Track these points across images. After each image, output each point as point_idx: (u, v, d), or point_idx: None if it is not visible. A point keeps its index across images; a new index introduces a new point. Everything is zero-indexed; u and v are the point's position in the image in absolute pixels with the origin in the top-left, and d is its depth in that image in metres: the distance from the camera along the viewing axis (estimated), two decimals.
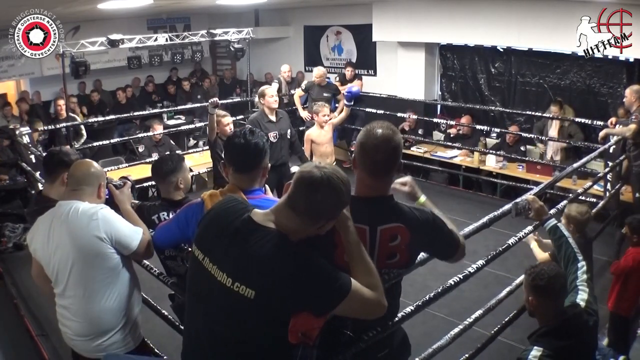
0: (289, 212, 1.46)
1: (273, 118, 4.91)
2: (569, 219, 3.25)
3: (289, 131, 5.01)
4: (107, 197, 2.27)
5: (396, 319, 1.93)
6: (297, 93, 6.80)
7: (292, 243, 1.46)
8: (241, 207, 1.53)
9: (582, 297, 2.15)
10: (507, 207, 2.67)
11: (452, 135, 7.04)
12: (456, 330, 2.59)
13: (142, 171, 5.98)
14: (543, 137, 6.19)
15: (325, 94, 6.59)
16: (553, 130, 6.15)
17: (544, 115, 6.26)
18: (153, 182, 5.75)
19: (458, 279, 2.32)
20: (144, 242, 2.16)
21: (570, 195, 4.03)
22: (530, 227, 2.91)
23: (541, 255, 3.08)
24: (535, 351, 1.95)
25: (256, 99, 5.20)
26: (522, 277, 3.14)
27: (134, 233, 2.14)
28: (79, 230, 2.04)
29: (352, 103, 5.84)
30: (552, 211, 2.85)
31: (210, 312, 1.50)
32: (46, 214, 2.17)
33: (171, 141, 6.83)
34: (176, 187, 2.59)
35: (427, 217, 1.71)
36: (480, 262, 2.53)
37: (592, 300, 2.17)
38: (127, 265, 2.20)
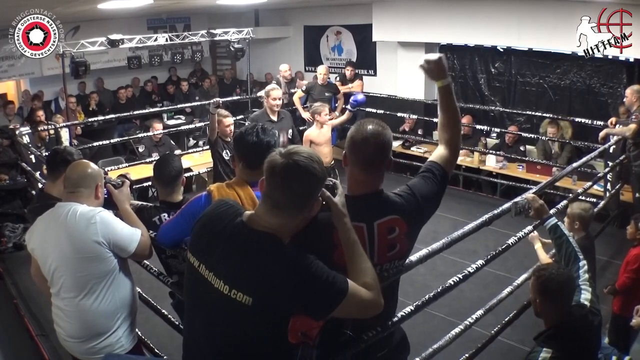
0: (272, 210, 1.44)
1: (274, 117, 4.97)
2: (574, 217, 3.22)
3: (290, 131, 5.04)
4: (106, 196, 2.25)
5: (396, 318, 1.93)
6: (297, 95, 6.80)
7: (287, 247, 1.44)
8: (233, 211, 1.51)
9: (585, 297, 2.14)
10: (507, 205, 2.65)
11: None
12: (457, 330, 2.58)
13: (142, 171, 5.98)
14: (543, 137, 6.18)
15: (326, 94, 6.65)
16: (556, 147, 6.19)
17: (544, 114, 6.26)
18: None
19: (458, 279, 2.31)
20: (143, 244, 2.15)
21: (570, 195, 4.03)
22: (529, 227, 2.90)
23: (545, 259, 3.06)
24: (545, 353, 1.94)
25: (261, 93, 5.22)
26: (523, 277, 3.16)
27: (133, 235, 2.13)
28: (77, 234, 2.03)
29: (355, 110, 5.87)
30: (552, 211, 2.84)
31: (209, 318, 1.49)
32: (45, 214, 2.17)
33: (171, 141, 6.83)
34: (179, 186, 2.61)
35: (413, 199, 1.70)
36: (480, 262, 2.53)
37: (595, 299, 2.17)
38: (124, 269, 2.19)
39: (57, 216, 2.09)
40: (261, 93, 5.12)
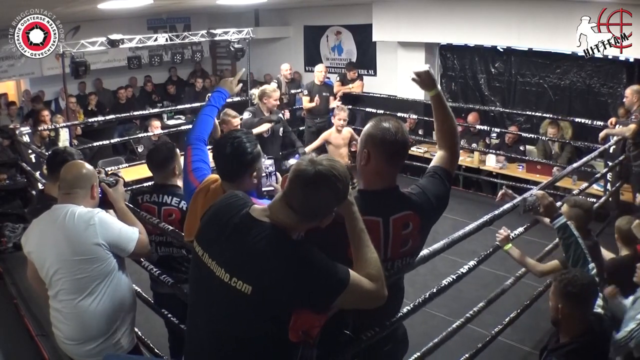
0: (286, 208, 1.46)
1: (268, 114, 5.09)
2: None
3: (281, 129, 5.19)
4: (100, 195, 2.24)
5: (395, 318, 1.93)
6: (306, 99, 6.81)
7: (289, 238, 1.46)
8: (241, 203, 1.54)
9: (598, 303, 2.10)
10: (508, 205, 2.61)
11: None
12: (458, 322, 2.58)
13: (142, 171, 5.97)
14: (543, 137, 6.18)
15: (324, 94, 6.68)
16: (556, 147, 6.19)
17: (544, 115, 6.26)
18: (152, 182, 5.77)
19: (456, 277, 2.30)
20: (141, 242, 2.16)
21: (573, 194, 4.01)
22: (521, 229, 2.88)
23: (540, 267, 2.92)
24: None
25: (253, 92, 5.28)
26: (523, 269, 3.15)
27: (131, 234, 2.13)
28: (76, 236, 2.03)
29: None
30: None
31: (211, 308, 1.50)
32: (41, 216, 2.16)
33: (170, 141, 6.82)
34: (172, 174, 2.70)
35: (425, 196, 1.76)
36: (474, 262, 2.50)
37: (605, 304, 2.13)
38: (122, 270, 2.19)
39: (54, 218, 2.07)
40: (254, 91, 5.20)
